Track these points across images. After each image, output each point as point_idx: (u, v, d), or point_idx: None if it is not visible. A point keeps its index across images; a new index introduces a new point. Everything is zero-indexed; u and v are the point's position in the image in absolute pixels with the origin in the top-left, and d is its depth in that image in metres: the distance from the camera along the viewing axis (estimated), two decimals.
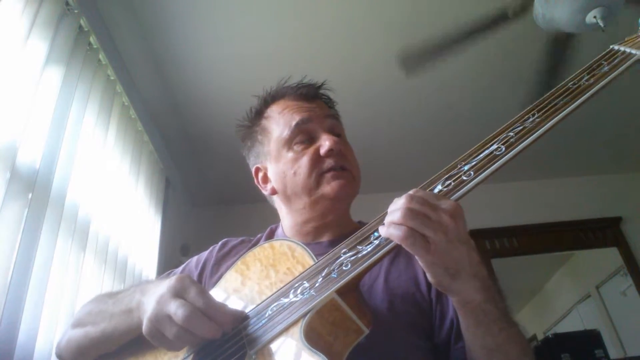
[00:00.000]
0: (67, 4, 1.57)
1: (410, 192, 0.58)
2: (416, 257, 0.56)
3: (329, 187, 0.82)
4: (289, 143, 0.86)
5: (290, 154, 0.85)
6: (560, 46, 1.87)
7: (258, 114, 0.96)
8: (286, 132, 0.86)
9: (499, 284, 0.61)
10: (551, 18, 1.72)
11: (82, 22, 1.65)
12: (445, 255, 0.55)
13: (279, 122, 0.89)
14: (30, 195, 1.24)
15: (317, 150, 0.84)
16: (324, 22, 2.09)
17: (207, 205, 3.30)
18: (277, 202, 0.94)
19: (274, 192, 0.90)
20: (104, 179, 1.74)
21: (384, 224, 0.58)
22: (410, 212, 0.54)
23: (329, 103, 0.96)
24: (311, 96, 0.92)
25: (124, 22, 1.94)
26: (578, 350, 2.46)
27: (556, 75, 1.93)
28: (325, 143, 0.83)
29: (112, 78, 1.90)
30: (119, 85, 1.95)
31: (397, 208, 0.56)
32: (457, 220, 0.55)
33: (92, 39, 1.73)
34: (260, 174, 0.94)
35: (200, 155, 2.83)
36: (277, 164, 0.88)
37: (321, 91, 0.95)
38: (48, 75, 1.40)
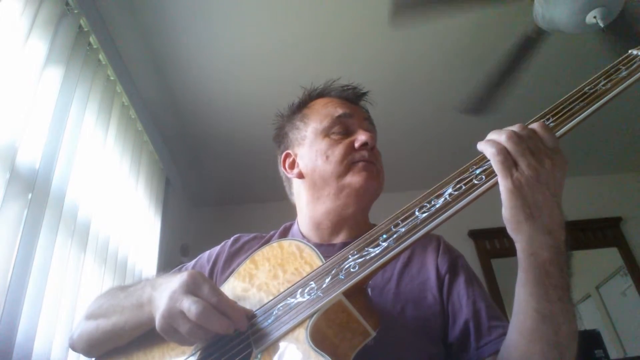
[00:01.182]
0: (67, 4, 1.56)
1: (521, 125, 0.58)
2: (499, 178, 0.56)
3: (357, 177, 0.85)
4: (326, 131, 0.90)
5: (326, 141, 0.89)
6: (525, 50, 1.88)
7: (302, 104, 1.00)
8: (327, 121, 0.91)
9: (571, 261, 0.60)
10: (551, 18, 1.72)
11: (82, 22, 1.65)
12: (529, 192, 0.55)
13: (321, 112, 0.93)
14: (29, 195, 1.24)
15: (353, 142, 0.88)
16: (324, 22, 2.08)
17: (207, 205, 3.30)
18: (299, 190, 0.95)
19: (300, 175, 0.93)
20: (104, 179, 1.74)
21: (483, 141, 0.59)
22: (514, 135, 0.56)
23: (367, 112, 1.00)
24: (354, 100, 0.97)
25: (124, 22, 1.93)
26: (578, 350, 2.45)
27: (509, 78, 1.95)
28: (361, 137, 0.87)
29: (112, 78, 1.90)
30: (119, 85, 1.94)
31: (504, 130, 0.57)
32: (555, 169, 0.56)
33: (92, 39, 1.72)
34: (289, 160, 0.96)
35: (200, 155, 2.83)
36: (311, 148, 0.91)
37: (362, 102, 0.99)
38: (48, 75, 1.39)
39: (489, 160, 0.58)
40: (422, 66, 2.35)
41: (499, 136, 0.57)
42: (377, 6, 2.02)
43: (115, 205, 1.82)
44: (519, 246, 0.58)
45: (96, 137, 1.69)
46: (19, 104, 1.24)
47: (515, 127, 0.58)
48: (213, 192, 3.18)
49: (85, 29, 1.68)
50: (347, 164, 0.86)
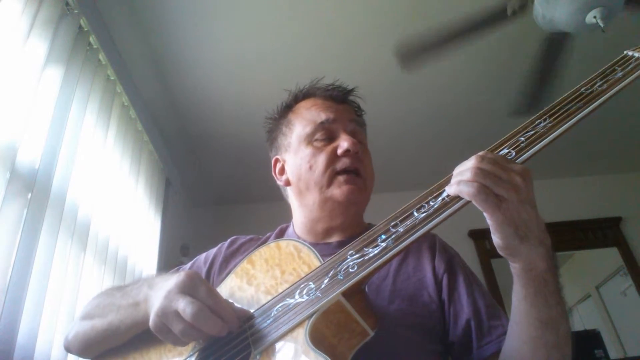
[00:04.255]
0: (67, 4, 1.56)
1: (480, 153, 0.57)
2: (486, 215, 0.56)
3: (339, 191, 0.84)
4: (309, 138, 0.89)
5: (309, 149, 0.88)
6: (555, 48, 1.87)
7: (287, 107, 0.98)
8: (309, 128, 0.89)
9: (557, 258, 0.60)
10: (551, 18, 1.72)
11: (82, 22, 1.64)
12: (516, 215, 0.55)
13: (305, 117, 0.92)
14: (29, 195, 1.24)
15: (335, 148, 0.86)
16: (323, 23, 2.09)
17: (207, 205, 3.30)
18: (290, 195, 0.96)
19: (287, 183, 0.93)
20: (104, 179, 1.74)
21: (450, 185, 0.58)
22: (481, 171, 0.55)
23: (357, 110, 0.97)
24: (340, 99, 0.94)
25: (124, 22, 1.93)
26: (578, 350, 2.44)
27: (550, 76, 1.93)
28: (343, 143, 0.85)
29: (112, 78, 1.90)
30: (119, 85, 1.94)
31: (466, 168, 0.56)
32: (527, 182, 0.55)
33: (92, 39, 1.72)
34: (279, 165, 0.96)
35: (200, 155, 2.83)
36: (295, 157, 0.90)
37: (351, 97, 0.97)
38: (48, 75, 1.39)
39: None
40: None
41: (468, 176, 0.55)
42: (378, 6, 2.02)
43: (115, 205, 1.81)
44: (518, 266, 0.59)
45: (96, 137, 1.69)
46: (19, 104, 1.24)
47: (473, 162, 0.56)
48: (213, 192, 3.18)
49: (85, 29, 1.68)
50: (330, 175, 0.85)
